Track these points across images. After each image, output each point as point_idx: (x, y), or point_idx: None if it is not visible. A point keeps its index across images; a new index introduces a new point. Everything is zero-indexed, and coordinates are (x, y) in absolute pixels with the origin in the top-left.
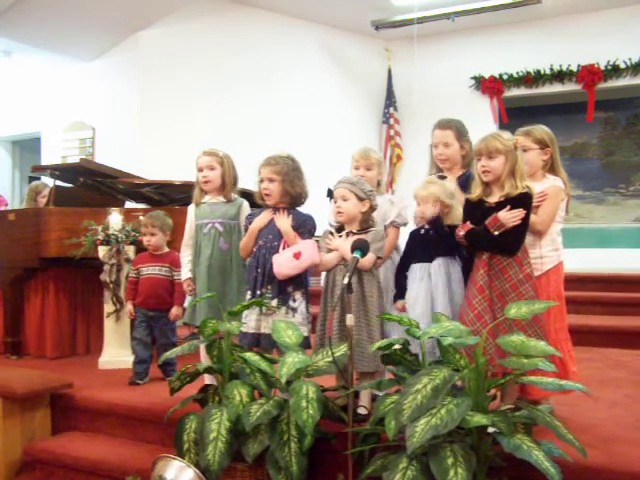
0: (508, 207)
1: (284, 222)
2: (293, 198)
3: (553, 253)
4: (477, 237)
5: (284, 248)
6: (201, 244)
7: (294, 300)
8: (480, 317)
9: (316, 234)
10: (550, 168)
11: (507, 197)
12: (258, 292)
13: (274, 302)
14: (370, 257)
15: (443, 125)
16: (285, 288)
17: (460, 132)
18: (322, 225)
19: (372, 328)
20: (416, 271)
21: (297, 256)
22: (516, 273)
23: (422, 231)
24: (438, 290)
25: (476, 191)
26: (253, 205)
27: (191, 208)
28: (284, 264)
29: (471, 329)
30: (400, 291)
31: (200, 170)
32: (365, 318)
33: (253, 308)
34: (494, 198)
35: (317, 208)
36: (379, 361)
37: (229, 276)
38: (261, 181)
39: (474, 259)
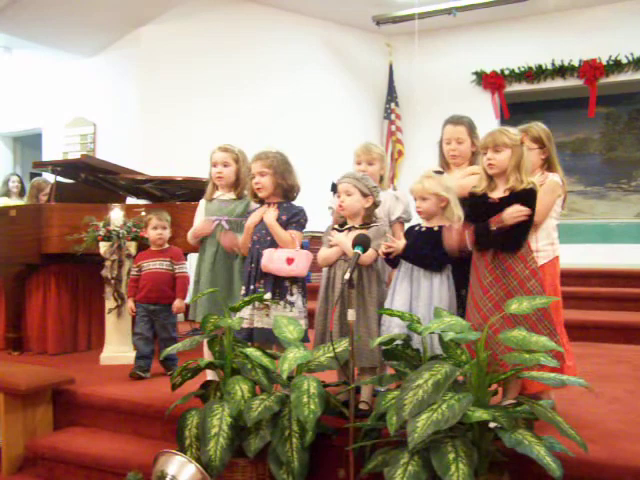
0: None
1: (269, 216)
2: (285, 191)
3: (549, 247)
4: (480, 236)
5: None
6: (206, 241)
7: (291, 294)
8: (486, 318)
9: (315, 230)
10: (548, 166)
11: (512, 191)
12: (252, 287)
13: (267, 295)
14: (371, 253)
15: (455, 121)
16: (282, 282)
17: (471, 128)
18: (322, 219)
19: (371, 323)
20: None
21: (289, 262)
22: (522, 270)
23: (418, 228)
24: (420, 296)
25: (481, 184)
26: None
27: (202, 203)
28: (275, 262)
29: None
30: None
31: (214, 165)
32: (365, 313)
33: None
34: (498, 193)
35: (319, 203)
36: (379, 356)
37: (234, 274)
38: (252, 177)
39: (475, 259)
